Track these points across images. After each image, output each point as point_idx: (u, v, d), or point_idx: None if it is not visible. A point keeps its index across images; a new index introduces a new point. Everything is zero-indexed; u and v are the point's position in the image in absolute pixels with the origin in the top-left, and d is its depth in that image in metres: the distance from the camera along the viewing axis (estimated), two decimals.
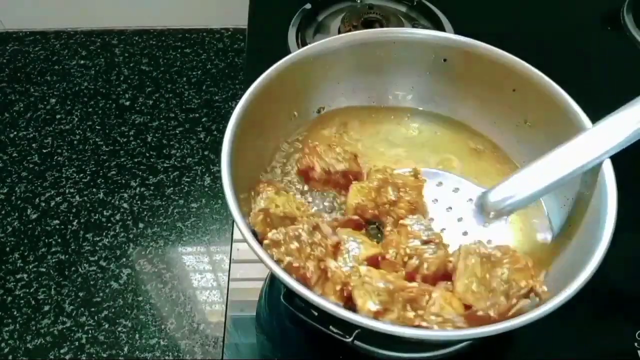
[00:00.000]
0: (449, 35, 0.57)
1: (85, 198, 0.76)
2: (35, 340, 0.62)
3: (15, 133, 0.84)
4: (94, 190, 0.77)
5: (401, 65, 0.60)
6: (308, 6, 0.84)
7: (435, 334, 0.37)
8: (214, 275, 0.68)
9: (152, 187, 0.77)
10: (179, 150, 0.81)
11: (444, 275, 0.41)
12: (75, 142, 0.83)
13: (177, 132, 0.84)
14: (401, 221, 0.42)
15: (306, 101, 0.60)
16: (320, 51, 0.58)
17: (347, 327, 0.36)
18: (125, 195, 0.76)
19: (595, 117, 0.49)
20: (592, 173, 0.46)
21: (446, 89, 0.59)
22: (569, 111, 0.48)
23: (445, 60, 0.57)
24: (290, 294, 0.39)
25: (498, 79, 0.55)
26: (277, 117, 0.59)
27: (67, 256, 0.70)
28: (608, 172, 0.45)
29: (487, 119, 0.57)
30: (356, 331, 0.37)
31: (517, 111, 0.54)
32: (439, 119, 0.60)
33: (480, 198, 0.47)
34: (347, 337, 0.37)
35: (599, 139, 0.43)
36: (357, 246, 0.41)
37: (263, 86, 0.54)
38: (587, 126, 0.47)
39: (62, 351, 0.62)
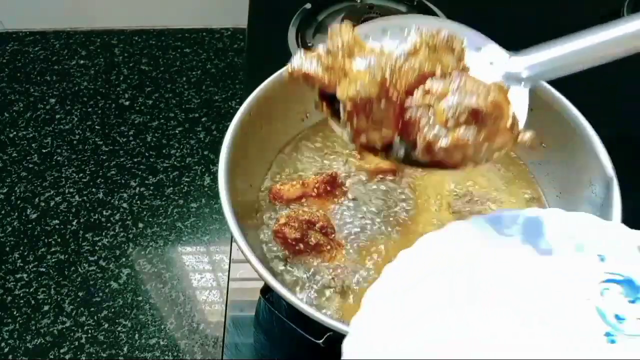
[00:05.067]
0: None
1: (85, 198, 0.76)
2: (35, 340, 0.62)
3: (15, 133, 0.84)
4: (93, 190, 0.77)
5: None
6: (308, 6, 0.84)
7: None
8: (214, 275, 0.68)
9: (151, 187, 0.77)
10: (179, 150, 0.81)
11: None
12: (75, 142, 0.83)
13: (177, 132, 0.84)
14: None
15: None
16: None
17: (320, 330, 0.37)
18: (125, 195, 0.76)
19: (595, 117, 0.49)
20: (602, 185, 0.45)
21: None
22: (584, 135, 0.48)
23: None
24: (267, 288, 0.39)
25: None
26: (285, 118, 0.59)
27: (66, 256, 0.70)
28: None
29: None
30: (327, 334, 0.37)
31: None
32: None
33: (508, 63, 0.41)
34: (319, 339, 0.37)
35: None
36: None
37: (268, 89, 0.54)
38: (599, 153, 0.46)
39: (62, 351, 0.62)
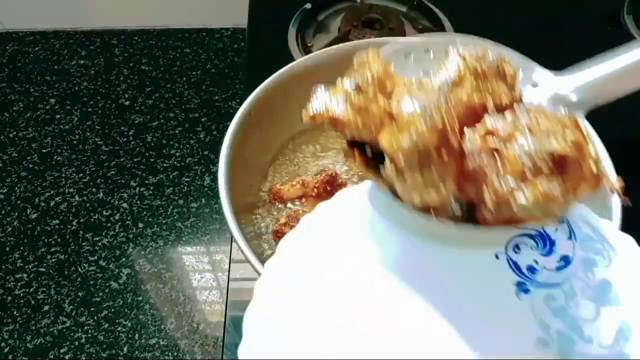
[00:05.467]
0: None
1: (85, 198, 0.76)
2: (35, 340, 0.62)
3: (15, 133, 0.84)
4: (93, 190, 0.77)
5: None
6: (308, 6, 0.84)
7: None
8: (214, 275, 0.68)
9: (151, 187, 0.77)
10: (179, 150, 0.81)
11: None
12: (75, 142, 0.83)
13: (177, 132, 0.84)
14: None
15: None
16: (336, 54, 0.58)
17: None
18: (125, 195, 0.76)
19: (595, 117, 0.49)
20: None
21: None
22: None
23: None
24: None
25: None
26: (285, 118, 0.59)
27: (66, 256, 0.70)
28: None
29: None
30: None
31: None
32: None
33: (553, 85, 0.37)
34: None
35: None
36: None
37: (268, 89, 0.54)
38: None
39: (61, 351, 0.62)
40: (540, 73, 0.38)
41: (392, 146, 0.28)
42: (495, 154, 0.28)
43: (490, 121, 0.29)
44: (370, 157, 0.33)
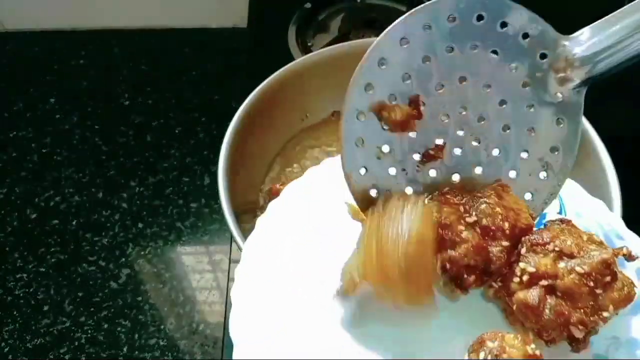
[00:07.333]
0: None
1: (85, 198, 0.76)
2: (35, 340, 0.62)
3: (14, 133, 0.84)
4: (93, 190, 0.77)
5: None
6: (308, 6, 0.84)
7: None
8: (214, 275, 0.68)
9: (151, 187, 0.77)
10: (179, 150, 0.81)
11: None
12: (74, 142, 0.83)
13: (177, 131, 0.83)
14: None
15: (319, 104, 0.60)
16: (336, 54, 0.59)
17: None
18: (125, 195, 0.76)
19: (595, 117, 0.49)
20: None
21: None
22: (584, 136, 0.48)
23: None
24: None
25: None
26: (285, 118, 0.59)
27: (66, 256, 0.70)
28: (611, 175, 0.45)
29: None
30: None
31: None
32: None
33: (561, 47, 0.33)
34: None
35: None
36: None
37: (268, 89, 0.54)
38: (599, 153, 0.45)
39: (61, 351, 0.62)
40: (548, 33, 0.34)
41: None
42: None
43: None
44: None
